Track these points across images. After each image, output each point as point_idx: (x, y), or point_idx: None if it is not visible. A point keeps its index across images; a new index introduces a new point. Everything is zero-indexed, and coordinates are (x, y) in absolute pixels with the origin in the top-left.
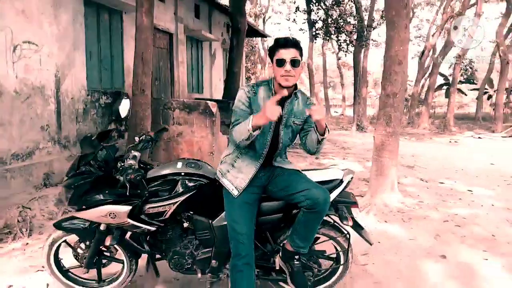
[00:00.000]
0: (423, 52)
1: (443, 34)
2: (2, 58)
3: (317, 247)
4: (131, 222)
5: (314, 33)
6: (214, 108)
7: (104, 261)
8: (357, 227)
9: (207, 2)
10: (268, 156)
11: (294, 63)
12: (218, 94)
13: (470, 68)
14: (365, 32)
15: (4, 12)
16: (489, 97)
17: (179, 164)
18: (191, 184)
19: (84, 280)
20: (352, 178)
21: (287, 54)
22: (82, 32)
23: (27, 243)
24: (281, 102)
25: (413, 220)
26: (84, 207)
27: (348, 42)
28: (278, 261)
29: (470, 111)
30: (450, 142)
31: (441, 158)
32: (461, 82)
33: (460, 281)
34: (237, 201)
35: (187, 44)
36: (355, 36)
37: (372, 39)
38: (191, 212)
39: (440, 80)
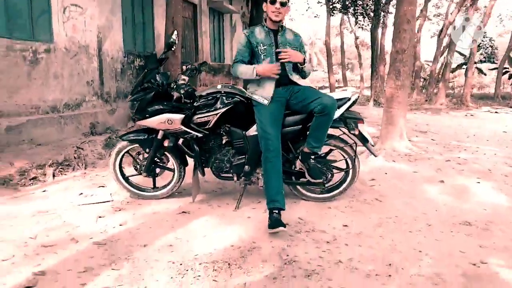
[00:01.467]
0: (441, 30)
1: (462, 12)
2: (55, 18)
3: (329, 158)
4: (184, 128)
5: (331, 7)
6: None
7: (157, 171)
8: (363, 139)
9: None
10: (283, 75)
11: (283, 4)
12: None
13: (490, 46)
14: (382, 5)
15: None
16: (510, 76)
17: (219, 86)
18: (229, 100)
19: (141, 186)
20: (358, 97)
21: None
22: None
23: (85, 173)
24: (275, 36)
25: (419, 161)
26: (147, 116)
27: (364, 15)
28: (298, 164)
29: (491, 91)
30: (466, 115)
31: (454, 127)
32: (481, 61)
33: (453, 196)
34: (266, 110)
35: (209, 15)
36: (371, 9)
37: (388, 11)
38: (229, 126)
39: (459, 60)
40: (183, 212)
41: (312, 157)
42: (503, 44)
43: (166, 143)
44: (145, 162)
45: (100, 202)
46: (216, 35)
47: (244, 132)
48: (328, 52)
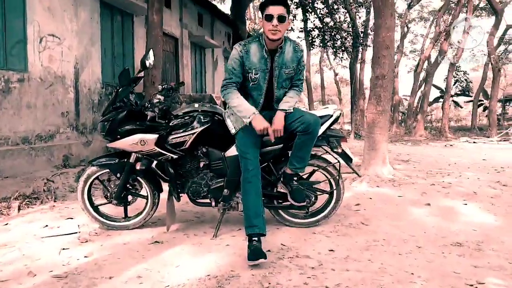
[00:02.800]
0: (417, 65)
1: (437, 47)
2: (30, 47)
3: (313, 179)
4: (158, 149)
5: (310, 41)
6: (218, 100)
7: (129, 198)
8: (346, 158)
9: (210, 12)
10: (267, 101)
11: (281, 19)
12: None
13: (465, 80)
14: (360, 38)
15: (34, 7)
16: (485, 108)
17: (196, 105)
18: (206, 119)
19: (112, 216)
20: (340, 113)
21: (275, 10)
22: (98, 30)
23: (53, 205)
24: (271, 56)
25: (403, 186)
26: (118, 137)
27: (343, 48)
28: (280, 186)
29: (468, 123)
30: (445, 146)
31: (435, 156)
32: (457, 94)
33: (441, 217)
34: (244, 131)
35: (191, 49)
36: (350, 43)
37: (366, 44)
38: (206, 147)
39: (436, 93)
40: (156, 242)
41: (295, 178)
42: (477, 78)
43: (138, 166)
44: (117, 189)
45: (66, 234)
46: (197, 68)
47: (223, 153)
48: (309, 88)
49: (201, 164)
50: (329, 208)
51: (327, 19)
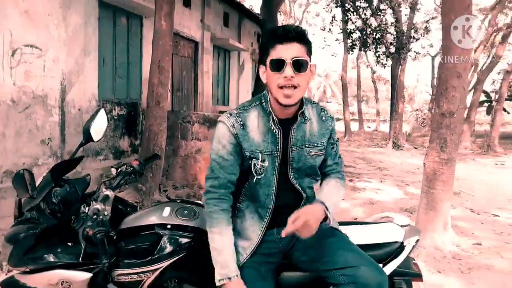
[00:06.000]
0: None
1: (487, 49)
2: None
3: None
4: None
5: (351, 44)
6: None
7: None
8: None
9: (237, 10)
10: (283, 208)
11: (299, 65)
12: None
13: None
14: (407, 44)
15: (6, 12)
16: None
17: (166, 211)
18: (181, 241)
19: None
20: (417, 241)
21: (287, 51)
22: (95, 36)
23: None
24: (286, 131)
25: (475, 272)
26: (28, 270)
27: (387, 54)
28: None
29: None
30: (496, 164)
31: (489, 183)
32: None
33: None
34: (244, 271)
35: (213, 53)
36: (393, 49)
37: (415, 51)
38: (183, 285)
39: (481, 97)
40: None
41: None
42: None
43: None
44: None
45: None
46: (220, 75)
47: None
48: (344, 87)
49: None
50: None
51: (370, 21)
